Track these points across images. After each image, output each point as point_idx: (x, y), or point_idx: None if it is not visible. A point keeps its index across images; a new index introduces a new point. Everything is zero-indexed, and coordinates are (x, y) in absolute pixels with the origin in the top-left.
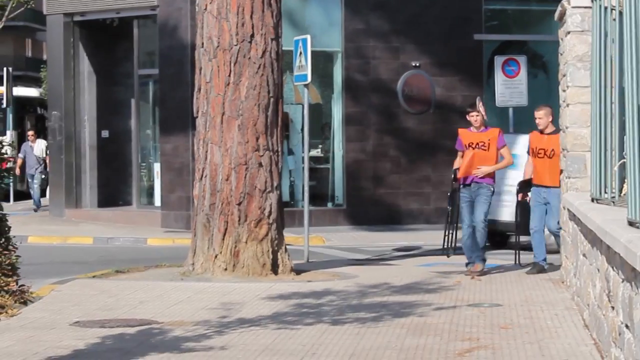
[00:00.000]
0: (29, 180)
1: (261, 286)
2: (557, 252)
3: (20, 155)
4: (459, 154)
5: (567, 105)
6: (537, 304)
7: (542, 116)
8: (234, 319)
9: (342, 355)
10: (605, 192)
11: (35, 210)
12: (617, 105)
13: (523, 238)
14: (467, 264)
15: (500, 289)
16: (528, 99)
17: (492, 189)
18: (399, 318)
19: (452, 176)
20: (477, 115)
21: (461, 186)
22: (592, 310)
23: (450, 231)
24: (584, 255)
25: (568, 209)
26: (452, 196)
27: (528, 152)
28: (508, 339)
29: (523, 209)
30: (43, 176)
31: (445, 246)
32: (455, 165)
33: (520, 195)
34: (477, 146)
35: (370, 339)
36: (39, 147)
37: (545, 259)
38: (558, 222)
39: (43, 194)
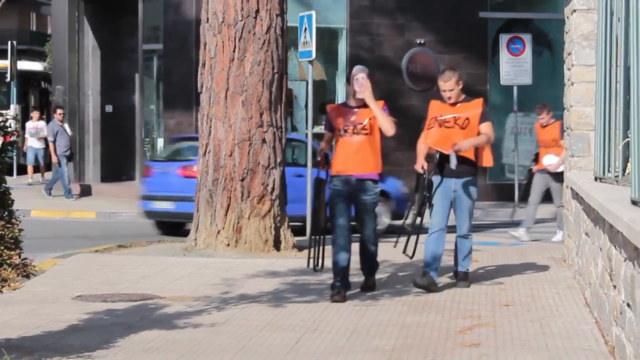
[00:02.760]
0: (60, 161)
1: (263, 262)
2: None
3: (50, 138)
4: (327, 135)
5: (572, 83)
6: (538, 282)
7: (452, 87)
8: (235, 295)
9: (344, 332)
10: (609, 171)
11: (70, 197)
12: (622, 84)
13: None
14: (333, 286)
15: (502, 267)
16: (533, 78)
17: (379, 187)
18: (401, 295)
19: (318, 156)
20: (363, 79)
21: (332, 177)
22: (594, 289)
23: (318, 243)
24: (586, 234)
25: (571, 188)
26: (318, 187)
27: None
28: (509, 317)
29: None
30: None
31: (316, 263)
32: (322, 146)
33: (426, 165)
34: (354, 130)
35: (372, 316)
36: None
37: (437, 268)
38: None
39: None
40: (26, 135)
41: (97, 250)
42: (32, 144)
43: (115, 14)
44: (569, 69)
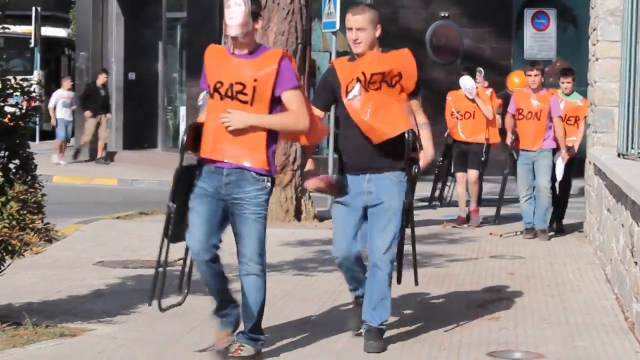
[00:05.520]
0: None
1: (284, 232)
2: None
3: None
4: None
5: (597, 59)
6: (559, 257)
7: (363, 25)
8: None
9: None
10: (632, 148)
11: None
12: None
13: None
14: (222, 318)
15: (522, 242)
16: (556, 53)
17: (268, 184)
18: (420, 268)
19: (184, 135)
20: (237, 5)
21: (202, 167)
22: (615, 265)
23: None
24: (608, 210)
25: (594, 164)
26: (179, 182)
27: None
28: (529, 292)
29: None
30: None
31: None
32: (201, 119)
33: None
34: (228, 92)
35: (392, 287)
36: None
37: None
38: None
39: None
40: (50, 106)
41: (118, 216)
42: (63, 115)
43: None
44: (593, 45)
